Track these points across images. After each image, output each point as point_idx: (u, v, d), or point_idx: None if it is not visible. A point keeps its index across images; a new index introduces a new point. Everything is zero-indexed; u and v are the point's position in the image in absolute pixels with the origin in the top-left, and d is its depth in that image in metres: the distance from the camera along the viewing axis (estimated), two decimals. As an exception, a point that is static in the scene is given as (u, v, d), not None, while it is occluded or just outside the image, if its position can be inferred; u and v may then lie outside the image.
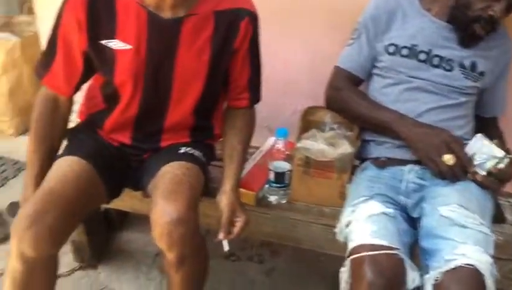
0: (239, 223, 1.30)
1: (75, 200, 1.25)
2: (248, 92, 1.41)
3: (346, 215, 1.26)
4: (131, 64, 1.26)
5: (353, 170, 1.45)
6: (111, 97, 1.36)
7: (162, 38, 1.25)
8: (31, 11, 2.18)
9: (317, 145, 1.38)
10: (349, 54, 1.48)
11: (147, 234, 1.92)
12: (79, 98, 1.46)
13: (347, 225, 1.23)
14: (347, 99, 1.44)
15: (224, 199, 1.31)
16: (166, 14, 1.24)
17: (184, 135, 1.43)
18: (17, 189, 2.10)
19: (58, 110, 1.35)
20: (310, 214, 1.46)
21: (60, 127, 1.38)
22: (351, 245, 1.17)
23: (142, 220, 1.97)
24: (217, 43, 1.29)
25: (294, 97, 1.80)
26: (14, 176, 2.20)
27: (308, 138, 1.41)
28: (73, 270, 1.77)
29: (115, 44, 1.24)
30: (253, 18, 1.31)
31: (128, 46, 1.24)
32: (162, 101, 1.35)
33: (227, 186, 1.33)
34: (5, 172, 2.22)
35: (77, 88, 1.36)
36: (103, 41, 1.24)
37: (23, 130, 2.28)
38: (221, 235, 1.28)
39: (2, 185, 2.15)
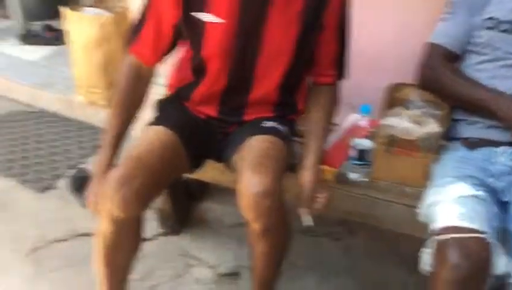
0: (320, 199, 1.30)
1: (159, 167, 1.30)
2: (334, 68, 1.39)
3: (431, 196, 1.22)
4: (220, 37, 1.28)
5: (439, 150, 1.39)
6: (199, 70, 1.39)
7: (252, 13, 1.26)
8: (121, -12, 2.28)
9: (402, 123, 1.34)
10: (444, 28, 1.40)
11: (225, 205, 2.00)
12: (166, 70, 1.51)
13: (431, 206, 1.19)
14: (442, 78, 1.36)
15: (305, 175, 1.31)
16: None
17: (268, 109, 1.44)
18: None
19: (140, 79, 1.40)
20: (391, 193, 1.42)
21: (140, 96, 1.42)
22: (435, 226, 1.13)
23: (221, 192, 2.04)
24: (306, 18, 1.28)
25: (378, 73, 1.74)
26: (105, 145, 2.34)
27: (392, 115, 1.37)
28: (157, 236, 1.86)
29: (206, 17, 1.26)
30: None
31: (219, 20, 1.26)
32: (248, 75, 1.36)
33: (309, 162, 1.33)
34: (97, 140, 2.37)
35: (161, 59, 1.40)
36: (195, 13, 1.27)
37: (113, 102, 2.40)
38: (302, 210, 1.28)
39: (94, 153, 2.30)
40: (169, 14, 1.30)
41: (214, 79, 1.37)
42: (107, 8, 2.34)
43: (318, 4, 1.27)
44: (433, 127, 1.34)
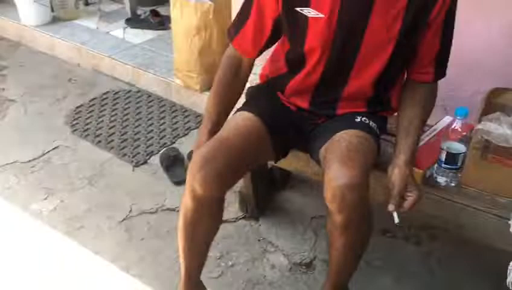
0: (411, 198, 1.26)
1: (242, 151, 1.35)
2: (434, 66, 1.35)
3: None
4: (322, 32, 1.29)
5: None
6: (295, 62, 1.41)
7: (354, 8, 1.26)
8: (224, -22, 2.36)
9: (500, 129, 1.28)
10: None
11: (306, 197, 2.03)
12: (260, 61, 1.56)
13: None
14: None
15: (396, 172, 1.28)
16: None
17: (361, 104, 1.43)
18: (198, 138, 2.35)
19: (240, 71, 1.46)
20: (481, 201, 1.37)
21: (239, 87, 1.49)
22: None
23: (303, 183, 2.06)
24: (411, 14, 1.25)
25: (478, 76, 1.67)
26: (196, 127, 2.45)
27: (490, 120, 1.31)
28: (237, 219, 1.93)
29: (308, 12, 1.28)
30: None
31: (321, 15, 1.27)
32: (344, 70, 1.36)
33: (401, 159, 1.30)
34: (189, 123, 2.49)
35: (260, 52, 1.44)
36: (298, 9, 1.29)
37: (207, 87, 2.50)
38: (391, 207, 1.26)
39: (185, 134, 2.41)
40: (271, 9, 1.33)
41: (310, 72, 1.39)
42: (209, -3, 2.43)
43: (426, 2, 1.24)
44: (534, 136, 1.27)
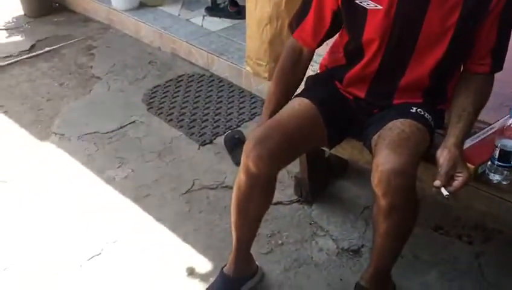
0: (460, 178, 1.25)
1: (296, 133, 1.41)
2: (491, 58, 1.34)
3: None
4: (380, 23, 1.33)
5: None
6: (354, 54, 1.46)
7: (412, 0, 1.29)
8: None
9: (558, 129, 1.25)
10: None
11: (361, 187, 2.05)
12: (321, 51, 1.61)
13: None
14: None
15: (445, 153, 1.27)
16: None
17: (417, 95, 1.45)
18: (261, 123, 2.45)
19: (300, 61, 1.53)
20: (534, 202, 1.34)
21: (299, 75, 1.56)
22: None
23: (359, 173, 2.09)
24: (470, 3, 1.26)
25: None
26: (261, 113, 2.54)
27: (548, 120, 1.28)
28: (291, 202, 2.00)
29: (368, 4, 1.32)
30: None
31: (379, 7, 1.31)
32: (402, 61, 1.39)
33: (450, 141, 1.29)
34: (255, 109, 2.59)
35: (321, 43, 1.51)
36: (357, 1, 1.34)
37: (275, 75, 2.59)
38: (437, 183, 1.25)
39: (250, 119, 2.52)
40: (331, 1, 1.39)
41: (368, 63, 1.43)
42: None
43: None
44: None
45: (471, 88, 1.36)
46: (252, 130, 1.45)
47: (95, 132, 2.44)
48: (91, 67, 3.05)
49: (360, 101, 1.52)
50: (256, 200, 1.49)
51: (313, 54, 1.56)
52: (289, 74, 1.54)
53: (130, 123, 2.51)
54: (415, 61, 1.38)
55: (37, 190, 2.09)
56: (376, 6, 1.31)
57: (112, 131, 2.45)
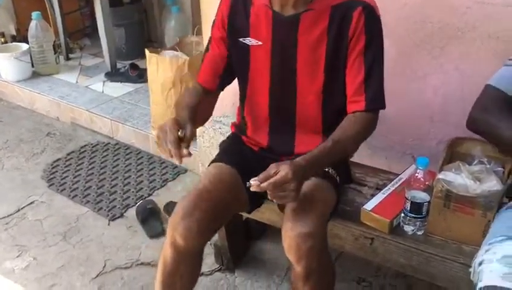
0: (286, 193, 1.18)
1: (221, 201, 1.38)
2: (364, 93, 1.34)
3: (480, 255, 1.17)
4: (261, 57, 1.40)
5: (499, 207, 1.33)
6: (245, 97, 1.50)
7: (283, 33, 1.36)
8: (199, 32, 2.43)
9: (460, 178, 1.31)
10: (506, 73, 1.30)
11: (281, 248, 2.00)
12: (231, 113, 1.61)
13: (479, 264, 1.15)
14: (494, 122, 1.26)
15: (288, 163, 1.19)
16: (289, 12, 1.34)
17: (316, 140, 1.42)
18: (175, 191, 2.35)
19: (202, 93, 1.50)
20: (448, 249, 1.38)
21: (203, 103, 1.47)
22: (480, 285, 1.09)
23: (278, 233, 2.04)
24: (332, 35, 1.33)
25: (441, 126, 1.72)
26: (173, 179, 2.46)
27: (451, 169, 1.34)
28: (213, 271, 1.91)
29: (249, 41, 1.40)
30: (368, 9, 1.30)
31: (260, 42, 1.39)
32: (289, 94, 1.42)
33: (300, 158, 1.23)
34: (166, 175, 2.50)
35: (222, 84, 1.52)
36: (241, 39, 1.41)
37: (184, 139, 2.54)
38: (253, 180, 1.19)
39: (162, 186, 2.41)
40: (223, 46, 1.45)
41: (258, 100, 1.47)
42: (185, 51, 2.50)
43: (341, 21, 1.31)
44: (494, 184, 1.30)
45: (341, 125, 1.34)
46: (178, 202, 1.39)
47: (-13, 219, 2.20)
48: (-20, 145, 2.80)
49: (264, 151, 1.52)
50: (185, 277, 1.43)
51: (215, 97, 1.57)
52: (187, 96, 1.48)
53: (28, 204, 2.30)
54: (301, 96, 1.41)
55: None
56: (257, 42, 1.39)
57: (8, 215, 2.22)
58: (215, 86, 1.52)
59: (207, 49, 1.51)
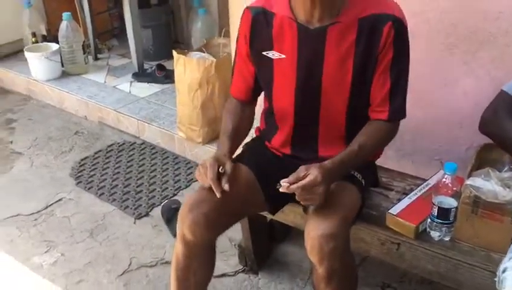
0: (313, 197, 1.24)
1: (230, 197, 1.36)
2: (388, 104, 1.36)
3: (504, 262, 1.16)
4: (286, 70, 1.39)
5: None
6: (272, 108, 1.50)
7: (310, 46, 1.35)
8: (227, 34, 2.45)
9: (489, 185, 1.29)
10: None
11: (304, 250, 2.01)
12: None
13: (503, 272, 1.13)
14: (503, 123, 1.30)
15: (315, 167, 1.24)
16: (314, 25, 1.33)
17: (340, 145, 1.42)
18: (198, 191, 2.37)
19: (240, 113, 1.53)
20: (476, 257, 1.36)
21: (245, 121, 1.54)
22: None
23: (301, 236, 2.05)
24: (360, 48, 1.32)
25: (471, 132, 1.69)
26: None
27: (480, 175, 1.33)
28: (236, 272, 1.92)
29: (273, 54, 1.40)
30: (398, 23, 1.29)
31: (283, 56, 1.38)
32: (313, 106, 1.42)
33: (326, 162, 1.27)
34: (191, 175, 2.52)
35: (255, 96, 1.54)
36: (264, 53, 1.40)
37: (209, 139, 2.55)
38: (283, 181, 1.24)
39: (187, 186, 2.44)
40: (249, 63, 1.46)
41: (284, 113, 1.46)
42: (212, 53, 2.52)
43: (370, 35, 1.30)
44: (524, 191, 1.28)
45: (365, 131, 1.38)
46: (186, 196, 1.40)
47: (17, 215, 2.25)
48: (11, 142, 2.87)
49: (288, 157, 1.52)
50: (197, 271, 1.43)
51: (252, 108, 1.58)
52: (231, 120, 1.51)
53: (57, 201, 2.35)
54: (326, 108, 1.40)
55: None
56: (280, 55, 1.39)
57: (37, 212, 2.27)
58: (249, 98, 1.54)
59: (235, 61, 1.53)
